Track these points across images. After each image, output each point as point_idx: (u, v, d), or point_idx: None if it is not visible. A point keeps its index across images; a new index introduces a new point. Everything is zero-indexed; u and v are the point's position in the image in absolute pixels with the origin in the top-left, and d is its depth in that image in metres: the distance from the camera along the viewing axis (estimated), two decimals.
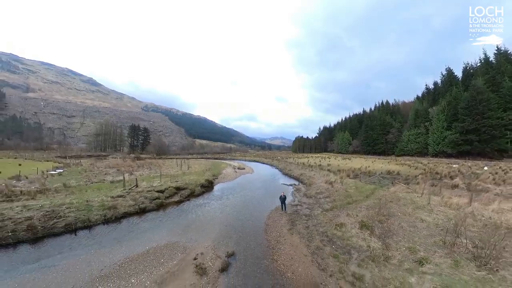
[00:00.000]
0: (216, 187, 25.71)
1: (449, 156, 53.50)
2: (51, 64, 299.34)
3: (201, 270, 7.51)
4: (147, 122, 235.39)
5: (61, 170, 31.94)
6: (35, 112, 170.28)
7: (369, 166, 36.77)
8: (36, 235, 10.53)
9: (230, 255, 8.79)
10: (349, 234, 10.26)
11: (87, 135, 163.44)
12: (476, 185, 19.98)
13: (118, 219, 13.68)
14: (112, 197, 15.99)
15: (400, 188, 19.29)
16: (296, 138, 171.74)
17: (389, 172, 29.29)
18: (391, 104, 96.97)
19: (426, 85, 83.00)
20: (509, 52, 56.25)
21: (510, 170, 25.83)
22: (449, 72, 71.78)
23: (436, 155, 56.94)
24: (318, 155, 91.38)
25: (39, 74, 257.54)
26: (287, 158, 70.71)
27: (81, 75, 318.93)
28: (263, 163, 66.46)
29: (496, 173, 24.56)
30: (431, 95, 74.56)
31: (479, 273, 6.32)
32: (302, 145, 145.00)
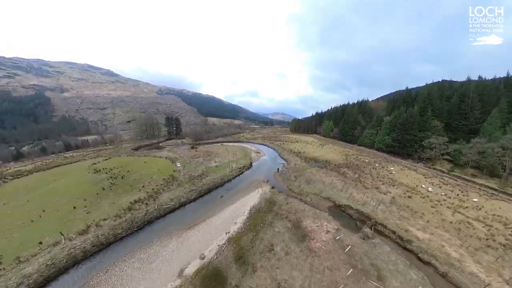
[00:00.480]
0: (253, 164, 63.97)
1: (384, 151, 76.85)
2: (73, 63, 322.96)
3: (260, 183, 45.80)
4: (164, 105, 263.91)
5: (179, 164, 69.43)
6: (76, 109, 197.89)
7: (322, 155, 73.87)
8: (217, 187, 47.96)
9: (267, 179, 47.42)
10: (295, 176, 48.55)
11: (121, 123, 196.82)
12: (356, 173, 57.48)
13: (233, 178, 51.75)
14: (229, 172, 53.83)
15: (315, 169, 57.01)
16: (293, 120, 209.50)
17: (325, 161, 66.48)
18: (367, 102, 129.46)
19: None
20: (442, 82, 67.97)
21: (402, 169, 57.90)
22: (407, 90, 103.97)
23: (378, 149, 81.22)
24: (306, 138, 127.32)
25: (66, 74, 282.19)
26: (284, 142, 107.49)
27: (100, 68, 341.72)
28: (269, 147, 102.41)
29: (381, 170, 61.88)
30: (391, 104, 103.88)
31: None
32: (298, 126, 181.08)
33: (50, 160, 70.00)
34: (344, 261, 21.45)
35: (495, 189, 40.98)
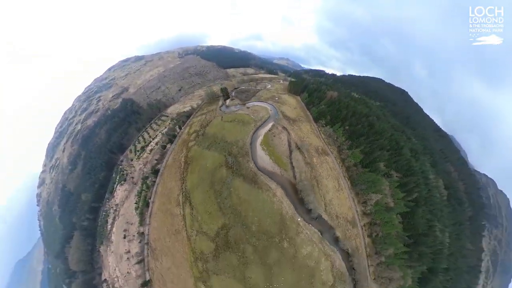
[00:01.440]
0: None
1: None
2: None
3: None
4: (192, 68, 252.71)
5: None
6: (147, 96, 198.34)
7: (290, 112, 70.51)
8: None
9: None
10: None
11: (176, 93, 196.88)
12: None
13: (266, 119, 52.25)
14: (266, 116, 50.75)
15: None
16: (290, 81, 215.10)
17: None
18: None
19: None
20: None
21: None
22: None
23: None
24: (291, 102, 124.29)
25: (116, 77, 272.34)
26: (281, 105, 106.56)
27: (128, 59, 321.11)
28: (272, 105, 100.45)
29: None
30: None
31: None
32: (292, 87, 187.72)
33: None
34: None
35: None
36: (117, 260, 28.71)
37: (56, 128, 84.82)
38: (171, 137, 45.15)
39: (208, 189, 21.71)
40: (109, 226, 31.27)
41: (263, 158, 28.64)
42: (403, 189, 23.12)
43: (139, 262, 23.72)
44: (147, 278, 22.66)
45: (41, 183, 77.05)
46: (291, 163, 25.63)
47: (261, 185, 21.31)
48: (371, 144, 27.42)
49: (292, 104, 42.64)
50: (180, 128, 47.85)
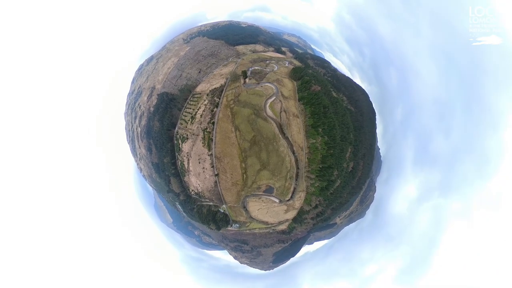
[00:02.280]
0: None
1: None
2: None
3: None
4: (203, 50, 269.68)
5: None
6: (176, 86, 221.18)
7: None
8: None
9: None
10: None
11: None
12: None
13: None
14: None
15: None
16: (292, 68, 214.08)
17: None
18: None
19: None
20: None
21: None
22: None
23: None
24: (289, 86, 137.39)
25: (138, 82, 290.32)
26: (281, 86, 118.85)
27: (141, 65, 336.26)
28: (276, 86, 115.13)
29: None
30: None
31: None
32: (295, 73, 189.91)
33: None
34: None
35: None
36: (196, 176, 51.08)
37: (127, 140, 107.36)
38: (215, 105, 65.83)
39: (246, 123, 43.36)
40: (186, 164, 53.69)
41: (268, 112, 50.36)
42: (327, 145, 42.45)
43: (211, 167, 45.54)
44: (216, 172, 44.43)
45: (140, 168, 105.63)
46: (280, 115, 46.17)
47: (268, 121, 41.62)
48: (319, 119, 46.48)
49: (289, 87, 60.60)
50: (218, 98, 67.76)
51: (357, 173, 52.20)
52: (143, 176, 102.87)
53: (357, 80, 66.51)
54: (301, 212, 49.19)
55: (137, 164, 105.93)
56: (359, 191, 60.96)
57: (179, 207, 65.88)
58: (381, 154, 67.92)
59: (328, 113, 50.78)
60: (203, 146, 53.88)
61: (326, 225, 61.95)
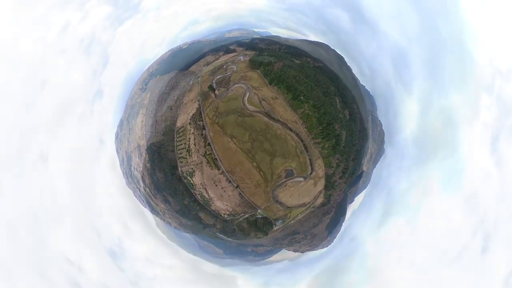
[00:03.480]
0: None
1: None
2: None
3: None
4: (164, 87, 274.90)
5: None
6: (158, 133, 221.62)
7: None
8: None
9: None
10: None
11: None
12: None
13: None
14: None
15: None
16: (249, 60, 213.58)
17: None
18: None
19: None
20: None
21: None
22: None
23: None
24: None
25: None
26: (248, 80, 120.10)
27: None
28: (244, 83, 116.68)
29: None
30: None
31: None
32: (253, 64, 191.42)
33: None
34: None
35: None
36: (220, 199, 52.04)
37: (143, 205, 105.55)
38: (202, 129, 66.30)
39: (237, 127, 44.19)
40: (206, 194, 54.51)
41: (250, 108, 51.36)
42: (315, 107, 43.41)
43: (229, 183, 46.56)
44: (235, 185, 45.24)
45: (168, 223, 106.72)
46: (262, 105, 46.92)
47: (254, 115, 42.43)
48: (295, 89, 47.19)
49: (255, 77, 61.71)
50: (201, 121, 68.51)
51: (356, 116, 52.81)
52: (175, 227, 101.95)
53: (312, 37, 67.12)
54: (328, 178, 49.70)
55: (164, 220, 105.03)
56: (366, 132, 61.50)
57: (221, 235, 66.32)
58: (369, 90, 68.58)
59: (301, 80, 51.40)
60: (211, 169, 54.48)
61: (356, 178, 62.22)
